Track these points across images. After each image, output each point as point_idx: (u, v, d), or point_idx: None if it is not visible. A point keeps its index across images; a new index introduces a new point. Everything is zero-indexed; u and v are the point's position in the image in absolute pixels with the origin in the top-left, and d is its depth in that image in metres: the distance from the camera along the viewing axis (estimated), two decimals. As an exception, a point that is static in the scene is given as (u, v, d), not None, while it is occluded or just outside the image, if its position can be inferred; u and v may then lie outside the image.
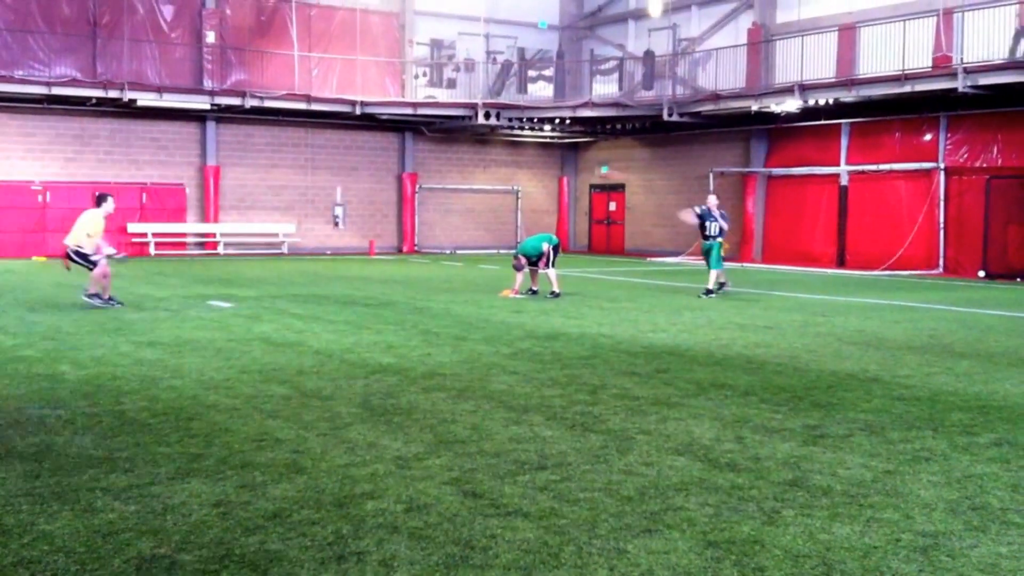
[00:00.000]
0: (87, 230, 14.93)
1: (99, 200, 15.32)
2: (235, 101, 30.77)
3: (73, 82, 29.07)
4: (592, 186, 39.68)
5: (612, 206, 38.83)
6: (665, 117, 31.30)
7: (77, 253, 14.90)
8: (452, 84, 36.18)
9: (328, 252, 34.06)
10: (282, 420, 7.16)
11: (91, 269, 14.90)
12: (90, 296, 14.86)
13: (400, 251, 35.70)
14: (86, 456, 6.07)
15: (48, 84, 28.55)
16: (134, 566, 4.28)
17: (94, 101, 29.61)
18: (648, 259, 32.86)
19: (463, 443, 6.52)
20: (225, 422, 7.08)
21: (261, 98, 30.92)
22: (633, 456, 6.23)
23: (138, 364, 9.59)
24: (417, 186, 36.30)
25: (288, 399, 7.95)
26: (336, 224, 35.10)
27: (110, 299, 14.96)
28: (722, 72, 31.12)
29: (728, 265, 19.49)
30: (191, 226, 32.45)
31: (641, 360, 10.27)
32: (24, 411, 7.37)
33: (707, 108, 30.70)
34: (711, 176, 33.08)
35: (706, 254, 18.56)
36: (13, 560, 4.34)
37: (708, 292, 17.97)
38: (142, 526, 4.79)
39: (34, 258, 28.33)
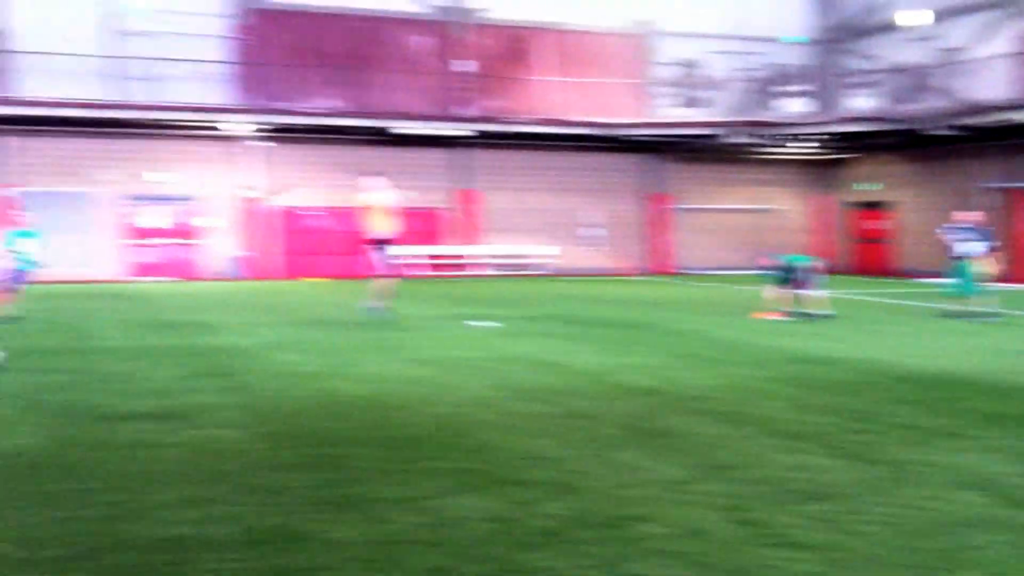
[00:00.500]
0: (371, 212, 15.58)
1: (360, 189, 15.95)
2: (491, 127, 31.81)
3: (341, 112, 31.00)
4: (851, 203, 38.04)
5: (875, 224, 37.08)
6: (929, 131, 29.66)
7: (377, 240, 15.58)
8: (702, 103, 35.82)
9: (580, 273, 34.44)
10: (549, 439, 7.27)
11: (383, 273, 15.43)
12: (374, 309, 15.31)
13: (651, 272, 35.60)
14: (368, 468, 6.38)
15: (322, 115, 30.64)
16: (422, 576, 4.46)
17: (357, 130, 31.41)
18: (915, 279, 31.17)
19: (732, 469, 6.39)
20: (493, 439, 7.26)
21: (515, 123, 31.83)
22: (917, 488, 5.89)
23: (408, 381, 10.01)
24: (668, 206, 36.15)
25: (553, 418, 8.07)
26: (587, 245, 35.48)
27: (382, 309, 15.44)
28: (990, 82, 29.18)
29: (999, 287, 18.12)
30: (450, 248, 33.74)
31: (916, 387, 9.73)
32: (311, 424, 7.84)
33: (975, 120, 28.80)
34: (977, 192, 31.01)
35: (956, 273, 17.67)
36: (310, 565, 4.60)
37: (976, 316, 16.86)
38: (425, 538, 4.97)
39: (304, 279, 30.25)
